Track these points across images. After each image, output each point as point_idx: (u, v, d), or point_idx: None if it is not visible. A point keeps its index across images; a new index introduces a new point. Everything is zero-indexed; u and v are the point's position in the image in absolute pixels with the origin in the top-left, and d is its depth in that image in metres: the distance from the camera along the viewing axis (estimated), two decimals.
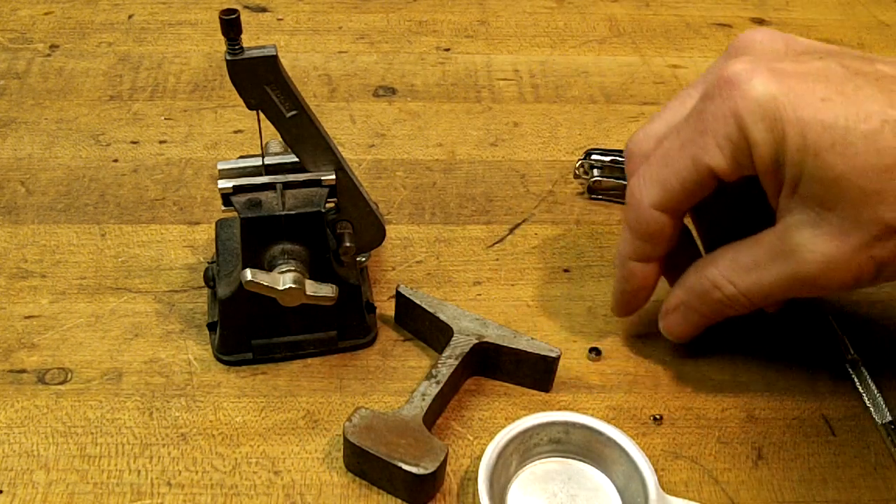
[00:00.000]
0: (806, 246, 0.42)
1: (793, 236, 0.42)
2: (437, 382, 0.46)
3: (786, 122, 0.40)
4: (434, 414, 0.46)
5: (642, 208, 0.46)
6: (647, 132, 0.47)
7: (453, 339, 0.48)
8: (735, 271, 0.45)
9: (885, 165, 0.39)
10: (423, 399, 0.46)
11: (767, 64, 0.42)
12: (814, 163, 0.40)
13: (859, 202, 0.40)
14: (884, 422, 0.48)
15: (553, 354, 0.48)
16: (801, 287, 0.43)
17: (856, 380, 0.50)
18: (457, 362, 0.47)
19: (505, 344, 0.48)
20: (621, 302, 0.50)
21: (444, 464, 0.43)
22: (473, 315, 0.50)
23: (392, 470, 0.43)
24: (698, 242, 0.52)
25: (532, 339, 0.49)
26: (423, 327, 0.51)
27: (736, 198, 0.48)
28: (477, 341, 0.48)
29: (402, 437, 0.44)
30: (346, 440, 0.44)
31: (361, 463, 0.44)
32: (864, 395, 0.49)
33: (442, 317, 0.50)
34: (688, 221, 0.50)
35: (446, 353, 0.48)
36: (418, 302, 0.50)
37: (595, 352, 0.48)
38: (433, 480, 0.43)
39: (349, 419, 0.44)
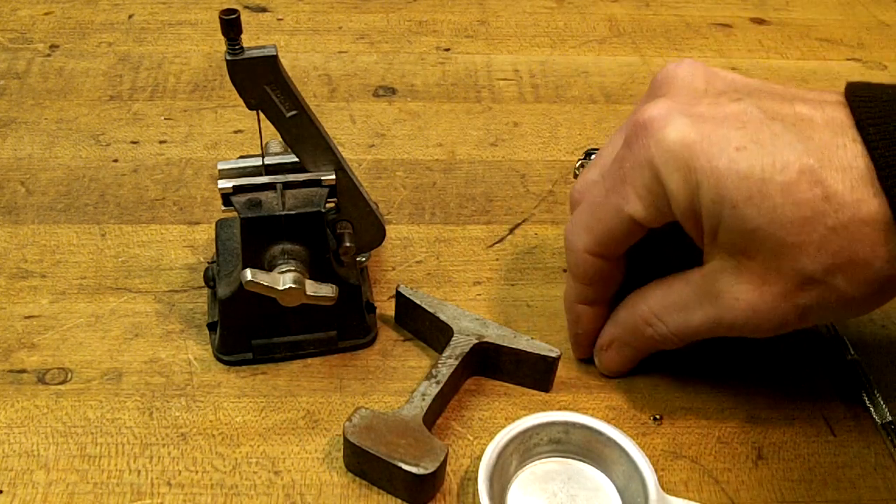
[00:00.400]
0: (730, 292, 0.42)
1: (717, 281, 0.42)
2: (437, 382, 0.46)
3: (700, 172, 0.40)
4: (434, 414, 0.46)
5: (577, 253, 0.46)
6: (585, 179, 0.47)
7: (453, 339, 0.48)
8: (664, 309, 0.45)
9: (804, 218, 0.38)
10: (423, 399, 0.46)
11: (683, 108, 0.41)
12: (731, 214, 0.40)
13: (779, 254, 0.39)
14: (884, 422, 0.48)
15: (553, 354, 0.48)
16: (728, 330, 0.43)
17: (855, 380, 0.50)
18: (457, 362, 0.47)
19: (505, 344, 0.48)
20: (577, 345, 0.51)
21: (444, 464, 0.43)
22: (473, 315, 0.50)
23: (392, 470, 0.43)
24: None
25: (532, 339, 0.49)
26: (423, 327, 0.51)
27: (665, 234, 0.47)
28: (477, 341, 0.48)
29: (402, 437, 0.44)
30: (346, 440, 0.44)
31: (361, 463, 0.44)
32: (864, 395, 0.49)
33: (442, 317, 0.50)
34: None
35: (446, 353, 0.48)
36: (418, 302, 0.50)
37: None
38: (433, 480, 0.43)
39: (349, 419, 0.44)
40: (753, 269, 0.40)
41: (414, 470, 0.42)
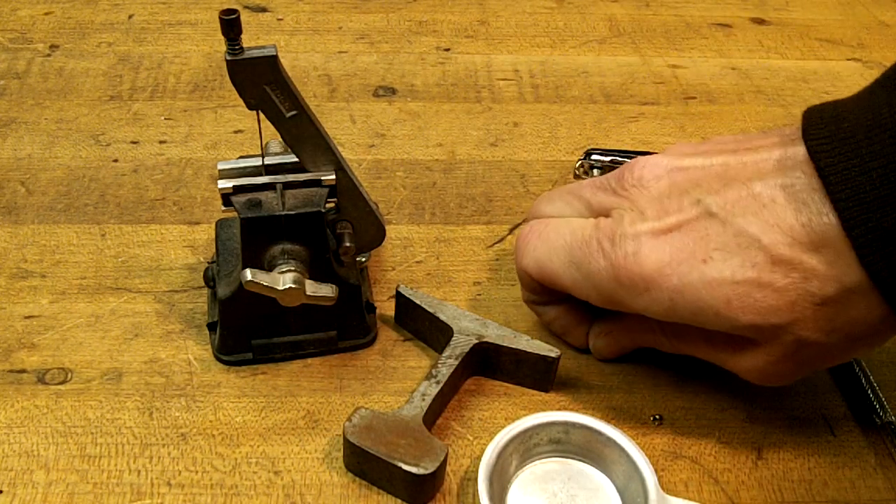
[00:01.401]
0: (741, 354, 0.43)
1: (730, 341, 0.43)
2: (437, 382, 0.46)
3: (672, 292, 0.41)
4: (434, 414, 0.46)
5: (519, 265, 0.48)
6: (549, 205, 0.48)
7: (453, 339, 0.48)
8: (674, 331, 0.46)
9: (790, 302, 0.39)
10: (423, 399, 0.45)
11: (652, 225, 0.42)
12: (716, 321, 0.41)
13: (778, 333, 0.40)
14: (884, 422, 0.48)
15: (553, 354, 0.48)
16: (735, 372, 0.45)
17: (856, 380, 0.50)
18: (457, 362, 0.47)
19: (505, 344, 0.48)
20: (567, 339, 0.52)
21: (444, 464, 0.43)
22: (473, 315, 0.50)
23: (392, 470, 0.43)
24: None
25: (532, 339, 0.49)
26: (423, 327, 0.51)
27: None
28: (477, 341, 0.48)
29: (402, 437, 0.44)
30: (345, 440, 0.44)
31: (361, 463, 0.44)
32: (864, 395, 0.49)
33: (442, 317, 0.49)
34: None
35: (446, 353, 0.48)
36: (418, 302, 0.50)
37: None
38: (433, 480, 0.43)
39: (349, 419, 0.44)
40: (756, 345, 0.42)
41: (414, 470, 0.42)
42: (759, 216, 0.40)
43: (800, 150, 0.40)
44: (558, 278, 0.46)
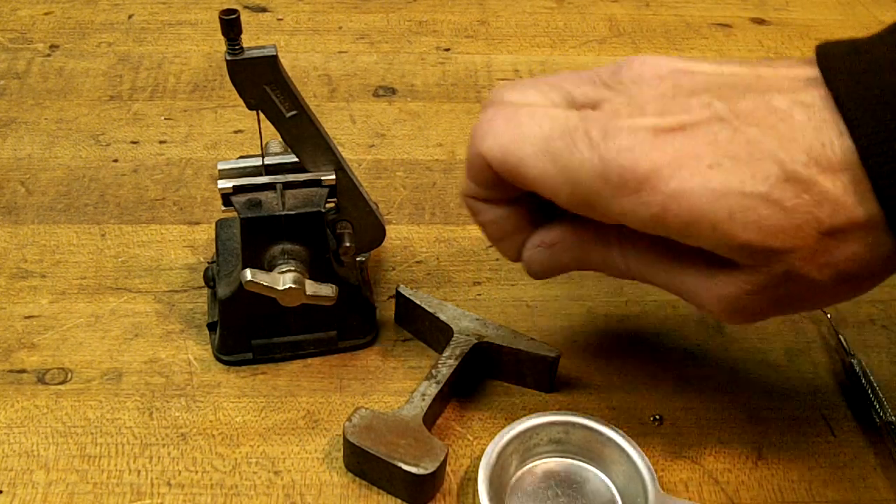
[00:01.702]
0: (715, 281, 0.38)
1: (705, 266, 0.39)
2: (437, 382, 0.46)
3: (667, 196, 0.36)
4: (434, 414, 0.46)
5: (475, 152, 0.40)
6: (526, 89, 0.42)
7: (453, 339, 0.48)
8: (637, 249, 0.41)
9: (795, 226, 0.36)
10: (423, 399, 0.45)
11: (651, 122, 0.37)
12: (712, 235, 0.36)
13: (772, 260, 0.37)
14: (884, 422, 0.48)
15: (553, 354, 0.48)
16: (700, 306, 0.40)
17: (856, 380, 0.50)
18: (457, 362, 0.47)
19: (505, 344, 0.48)
20: (499, 249, 0.45)
21: (444, 464, 0.43)
22: (473, 315, 0.50)
23: (392, 470, 0.43)
24: None
25: (532, 339, 0.49)
26: (423, 327, 0.51)
27: None
28: (477, 341, 0.48)
29: (402, 438, 0.44)
30: (345, 440, 0.44)
31: (361, 463, 0.44)
32: (864, 395, 0.49)
33: (442, 317, 0.49)
34: None
35: (446, 353, 0.48)
36: (418, 302, 0.50)
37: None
38: (433, 480, 0.43)
39: (349, 419, 0.44)
40: (739, 269, 0.38)
41: (414, 470, 0.42)
42: (776, 129, 0.36)
43: (818, 75, 0.37)
44: (525, 169, 0.39)
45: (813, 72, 0.37)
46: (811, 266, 0.37)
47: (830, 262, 0.36)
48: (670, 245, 0.39)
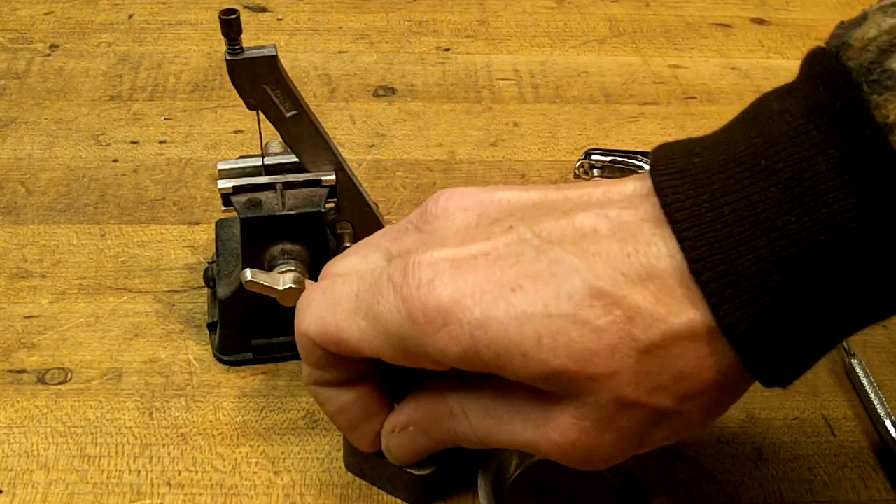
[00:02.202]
0: (547, 421, 0.36)
1: (534, 405, 0.36)
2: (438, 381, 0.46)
3: (473, 327, 0.34)
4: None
5: (299, 331, 0.39)
6: (334, 268, 0.41)
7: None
8: (473, 407, 0.38)
9: (610, 346, 0.33)
10: None
11: (451, 253, 0.35)
12: (523, 364, 0.34)
13: (594, 389, 0.34)
14: (884, 422, 0.48)
15: None
16: (547, 456, 0.37)
17: (856, 380, 0.50)
18: None
19: None
20: (353, 438, 0.43)
21: (444, 464, 0.43)
22: None
23: (392, 470, 0.43)
24: None
25: None
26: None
27: None
28: None
29: None
30: (345, 440, 0.44)
31: (361, 463, 0.44)
32: (864, 395, 0.49)
33: None
34: None
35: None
36: None
37: None
38: (433, 481, 0.43)
39: None
40: (571, 404, 0.35)
41: (414, 470, 0.42)
42: (579, 245, 0.34)
43: (638, 188, 0.35)
44: (344, 334, 0.37)
45: (639, 185, 0.35)
46: (639, 391, 0.34)
47: (660, 383, 0.34)
48: (503, 392, 0.37)
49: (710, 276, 0.32)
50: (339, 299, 0.38)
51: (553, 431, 0.35)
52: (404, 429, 0.41)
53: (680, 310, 0.33)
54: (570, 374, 0.33)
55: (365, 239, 0.41)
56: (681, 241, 0.33)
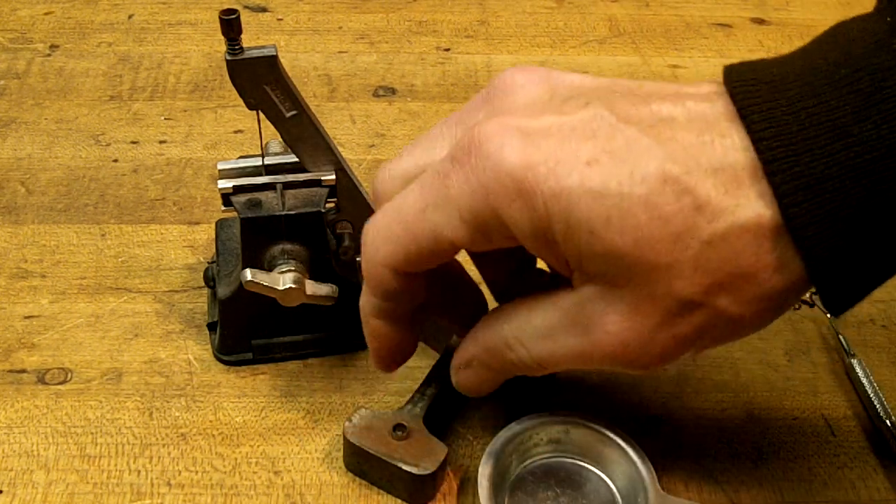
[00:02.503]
0: (600, 324, 0.35)
1: (585, 309, 0.36)
2: (438, 383, 0.46)
3: (547, 197, 0.33)
4: (434, 414, 0.46)
5: (375, 266, 0.39)
6: (393, 171, 0.40)
7: (453, 339, 0.48)
8: (528, 335, 0.38)
9: (674, 234, 0.33)
10: (424, 399, 0.45)
11: (523, 123, 0.35)
12: (589, 241, 0.33)
13: (651, 279, 0.34)
14: (884, 422, 0.48)
15: None
16: (601, 364, 0.37)
17: (856, 380, 0.50)
18: None
19: None
20: (379, 361, 0.43)
21: (444, 464, 0.43)
22: None
23: (392, 470, 0.43)
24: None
25: None
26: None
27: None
28: None
29: (403, 438, 0.44)
30: (345, 440, 0.44)
31: (361, 463, 0.44)
32: (864, 395, 0.49)
33: None
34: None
35: (446, 353, 0.48)
36: None
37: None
38: (433, 481, 0.43)
39: (349, 419, 0.44)
40: (624, 298, 0.35)
41: (414, 470, 0.42)
42: (655, 128, 0.34)
43: (713, 87, 0.35)
44: (418, 237, 0.37)
45: (714, 87, 0.35)
46: (696, 286, 0.34)
47: (718, 279, 0.34)
48: (554, 311, 0.37)
49: (783, 177, 0.32)
50: (404, 207, 0.37)
51: (606, 334, 0.35)
52: (469, 365, 0.42)
53: (748, 203, 0.33)
54: (632, 259, 0.33)
55: (428, 131, 0.40)
56: (755, 140, 0.32)
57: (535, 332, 0.38)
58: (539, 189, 0.33)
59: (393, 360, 0.43)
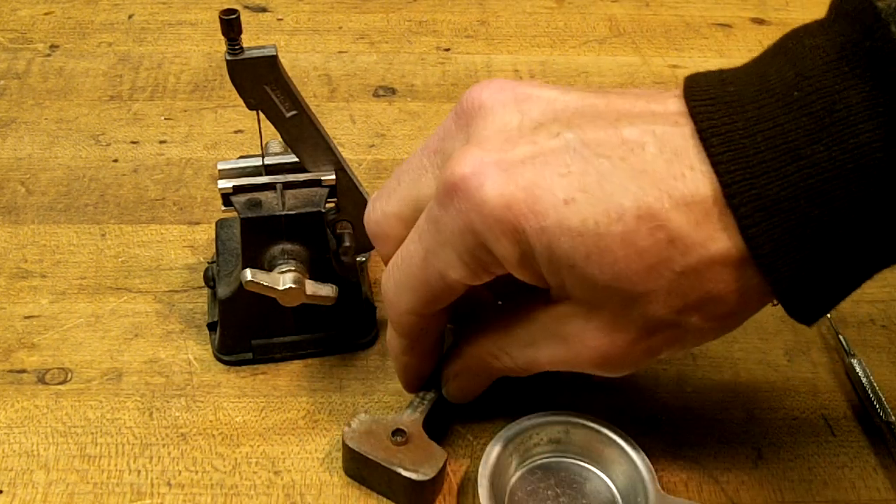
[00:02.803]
0: (579, 337, 0.38)
1: (565, 325, 0.39)
2: (437, 388, 0.46)
3: (529, 234, 0.35)
4: (433, 419, 0.46)
5: (400, 315, 0.42)
6: (385, 211, 0.42)
7: (452, 343, 0.48)
8: (511, 345, 0.41)
9: (649, 266, 0.35)
10: (423, 403, 0.45)
11: (498, 157, 0.36)
12: (570, 273, 0.36)
13: (628, 304, 0.36)
14: (884, 422, 0.48)
15: None
16: (581, 369, 0.40)
17: (856, 380, 0.50)
18: None
19: None
20: (408, 385, 0.47)
21: (443, 469, 0.43)
22: None
23: (391, 476, 0.43)
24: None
25: None
26: None
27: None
28: None
29: (402, 443, 0.43)
30: (344, 445, 0.44)
31: (361, 468, 0.44)
32: (863, 395, 0.49)
33: None
34: None
35: (445, 357, 0.47)
36: None
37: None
38: (433, 486, 0.43)
39: (348, 424, 0.44)
40: (602, 317, 0.37)
41: (413, 476, 0.42)
42: (626, 161, 0.35)
43: (679, 106, 0.36)
44: (434, 284, 0.39)
45: (679, 105, 0.36)
46: (667, 310, 0.36)
47: (688, 304, 0.36)
48: (536, 323, 0.40)
49: (741, 200, 0.33)
50: (409, 258, 0.40)
51: (585, 347, 0.38)
52: (458, 375, 0.45)
53: (717, 236, 0.34)
54: (610, 289, 0.36)
55: (408, 160, 0.42)
56: (715, 164, 0.34)
57: (517, 343, 0.41)
58: (521, 227, 0.35)
59: (421, 380, 0.46)
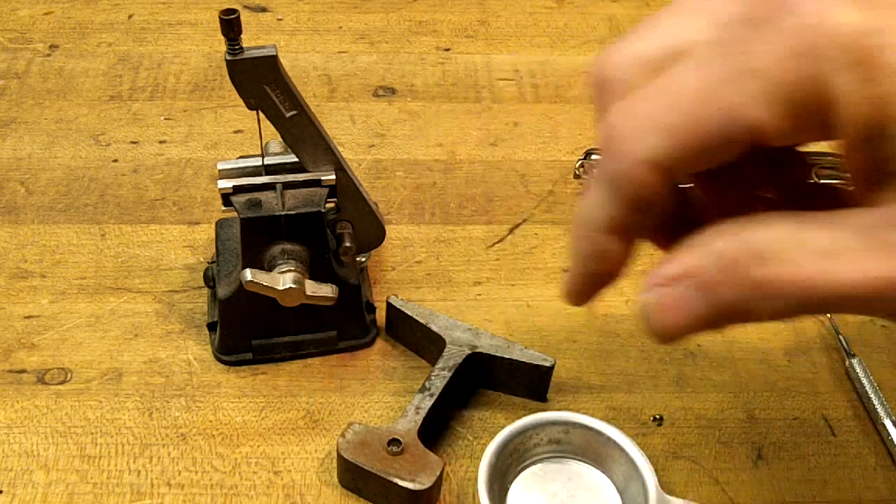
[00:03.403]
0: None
1: None
2: (431, 395, 0.46)
3: (887, 73, 0.26)
4: (429, 427, 0.46)
5: (633, 162, 0.29)
6: (628, 52, 0.32)
7: (446, 350, 0.48)
8: (798, 246, 0.28)
9: None
10: (418, 412, 0.45)
11: None
12: None
13: None
14: (884, 422, 0.48)
15: (547, 364, 0.48)
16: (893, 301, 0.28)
17: (856, 380, 0.50)
18: (450, 374, 0.47)
19: (498, 354, 0.48)
20: (582, 291, 0.34)
21: (440, 478, 0.43)
22: (466, 325, 0.49)
23: (388, 486, 0.43)
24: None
25: (525, 348, 0.48)
26: (415, 338, 0.50)
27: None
28: (470, 352, 0.48)
29: (398, 453, 0.43)
30: (339, 456, 0.44)
31: (356, 479, 0.44)
32: (864, 395, 0.49)
33: (434, 328, 0.49)
34: None
35: (439, 364, 0.47)
36: (409, 313, 0.50)
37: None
38: (430, 495, 0.43)
39: (342, 435, 0.44)
40: None
41: (410, 486, 0.42)
42: None
43: None
44: (704, 122, 0.28)
45: None
46: None
47: None
48: (848, 222, 0.28)
49: None
50: (679, 88, 0.29)
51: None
52: (678, 281, 0.30)
53: None
54: None
55: (665, 8, 0.32)
56: None
57: (812, 249, 0.28)
58: (884, 61, 0.26)
59: (600, 287, 0.34)
